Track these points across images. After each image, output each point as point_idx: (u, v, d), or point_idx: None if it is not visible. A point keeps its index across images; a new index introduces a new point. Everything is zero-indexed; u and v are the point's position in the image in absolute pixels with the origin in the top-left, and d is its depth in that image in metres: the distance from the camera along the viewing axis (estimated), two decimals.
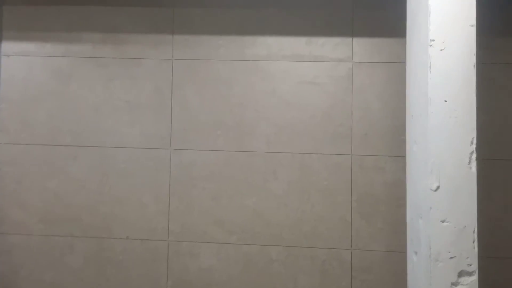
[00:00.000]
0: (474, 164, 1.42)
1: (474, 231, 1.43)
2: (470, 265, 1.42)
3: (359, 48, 2.31)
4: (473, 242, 1.43)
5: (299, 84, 2.33)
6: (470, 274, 1.41)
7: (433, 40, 1.45)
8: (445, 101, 1.44)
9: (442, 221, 1.42)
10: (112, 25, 2.43)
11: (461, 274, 1.41)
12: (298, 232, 2.29)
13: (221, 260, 2.31)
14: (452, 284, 1.41)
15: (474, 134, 1.45)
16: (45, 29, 2.46)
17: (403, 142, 2.26)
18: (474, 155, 1.43)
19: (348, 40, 2.32)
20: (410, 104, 1.63)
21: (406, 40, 2.10)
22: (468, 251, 1.41)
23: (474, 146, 1.44)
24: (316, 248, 2.28)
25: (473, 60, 1.45)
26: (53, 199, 2.40)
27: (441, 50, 1.45)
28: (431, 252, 1.42)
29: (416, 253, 1.56)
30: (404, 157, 2.25)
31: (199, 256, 2.33)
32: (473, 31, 1.44)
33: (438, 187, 1.43)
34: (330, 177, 2.29)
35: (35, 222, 2.41)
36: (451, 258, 1.42)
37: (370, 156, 2.28)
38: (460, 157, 1.43)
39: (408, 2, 1.72)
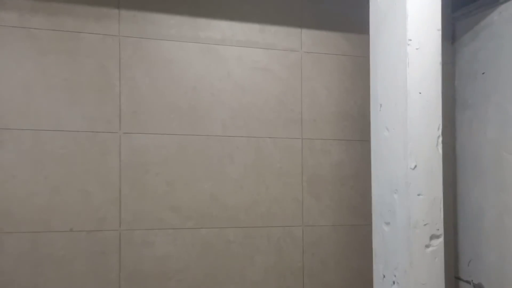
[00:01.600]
0: (440, 146, 1.67)
1: (440, 202, 1.68)
2: (438, 229, 1.66)
3: (307, 38, 2.43)
4: (440, 211, 1.68)
5: (253, 70, 2.35)
6: (438, 237, 1.65)
7: (411, 40, 1.63)
8: (420, 93, 1.66)
9: (419, 195, 1.63)
10: None
11: (432, 237, 1.64)
12: (254, 213, 2.32)
13: (178, 246, 2.21)
14: (426, 246, 1.63)
15: (440, 121, 1.69)
16: None
17: (346, 127, 2.47)
18: (440, 139, 1.68)
19: (297, 30, 2.43)
20: (379, 95, 1.80)
21: (359, 35, 2.31)
22: (437, 219, 1.65)
23: (440, 131, 1.68)
24: (271, 227, 2.35)
25: (439, 58, 1.69)
26: None
27: (417, 49, 1.64)
28: (410, 221, 1.62)
29: (388, 223, 1.75)
30: (347, 140, 2.46)
31: (154, 244, 2.18)
32: (439, 34, 1.69)
33: (415, 166, 1.63)
34: (283, 160, 2.37)
35: None
36: (425, 225, 1.63)
37: (318, 140, 2.43)
38: (430, 141, 1.64)
39: (372, 3, 1.90)
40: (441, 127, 1.65)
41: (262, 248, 2.28)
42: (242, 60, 2.29)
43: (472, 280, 2.30)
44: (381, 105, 1.78)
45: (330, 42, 2.41)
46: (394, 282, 1.68)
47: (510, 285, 2.10)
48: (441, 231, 1.61)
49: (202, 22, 2.25)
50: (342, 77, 2.42)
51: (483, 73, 2.28)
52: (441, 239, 1.61)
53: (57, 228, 2.03)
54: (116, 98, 2.12)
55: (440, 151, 1.64)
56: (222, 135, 2.25)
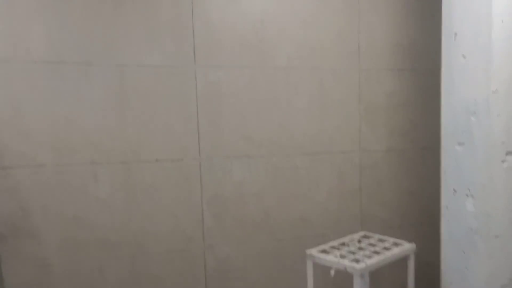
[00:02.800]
0: None
1: None
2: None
3: None
4: None
5: (315, 4, 2.42)
6: (511, 154, 1.88)
7: None
8: (502, 21, 1.79)
9: (498, 115, 1.82)
10: None
11: (507, 153, 1.86)
12: (318, 141, 2.48)
13: (252, 173, 2.39)
14: (502, 161, 1.85)
15: None
16: None
17: (398, 58, 2.60)
18: None
19: None
20: (454, 25, 1.93)
21: None
22: (510, 137, 1.86)
23: None
24: (332, 153, 2.54)
25: None
26: (64, 124, 2.08)
27: None
28: (489, 140, 1.83)
29: (461, 144, 1.94)
30: (398, 69, 2.61)
31: (231, 171, 2.35)
32: None
33: (496, 90, 1.81)
34: (343, 90, 2.50)
35: (46, 151, 2.04)
36: (502, 143, 1.84)
37: (373, 70, 2.57)
38: (509, 68, 1.82)
39: None
40: None
41: (325, 172, 2.48)
42: None
43: None
44: (455, 34, 1.91)
45: None
46: (467, 195, 1.90)
47: None
48: None
49: None
50: (394, 11, 2.52)
51: None
52: None
53: (145, 159, 2.17)
54: (190, 33, 2.19)
55: None
56: (288, 67, 2.36)
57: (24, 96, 1.98)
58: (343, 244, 2.13)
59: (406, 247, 2.04)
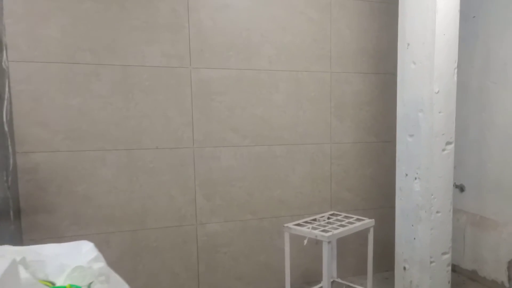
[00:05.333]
0: (455, 76, 2.29)
1: (453, 117, 2.33)
2: (451, 137, 2.33)
3: None
4: (453, 124, 2.33)
5: (293, 13, 2.80)
6: (451, 143, 2.32)
7: None
8: (444, 34, 2.24)
9: (439, 112, 2.27)
10: None
11: (447, 143, 2.31)
12: (294, 132, 2.90)
13: (238, 160, 2.78)
14: (442, 150, 2.31)
15: (456, 56, 2.29)
16: None
17: (363, 62, 3.04)
18: (456, 70, 2.30)
19: None
20: (407, 36, 2.37)
21: None
22: (451, 130, 2.31)
23: (456, 64, 2.29)
24: (307, 144, 2.96)
25: (458, 7, 2.25)
26: (78, 115, 2.42)
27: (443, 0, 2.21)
28: (432, 132, 2.28)
29: (412, 135, 2.39)
30: (364, 73, 3.05)
31: (220, 158, 2.74)
32: None
33: (438, 91, 2.26)
34: (316, 89, 2.92)
35: (61, 139, 2.38)
36: (443, 134, 2.30)
37: (343, 73, 3.00)
38: (449, 71, 2.26)
39: None
40: (457, 61, 2.27)
41: (300, 161, 2.91)
42: (284, 4, 2.76)
43: (455, 182, 3.06)
44: (408, 44, 2.36)
45: None
46: (416, 178, 2.36)
47: (484, 186, 2.87)
48: (453, 139, 2.29)
49: None
50: (361, 19, 2.96)
51: (474, 17, 2.88)
52: (453, 145, 2.30)
53: (146, 146, 2.54)
54: (186, 38, 2.56)
55: (455, 79, 2.27)
56: (269, 69, 2.77)
57: (42, 91, 2.31)
58: (314, 219, 2.55)
59: (367, 221, 2.48)
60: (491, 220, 2.86)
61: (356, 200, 3.08)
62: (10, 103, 2.24)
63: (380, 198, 3.13)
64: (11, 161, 2.14)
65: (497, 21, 2.72)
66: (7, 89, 2.10)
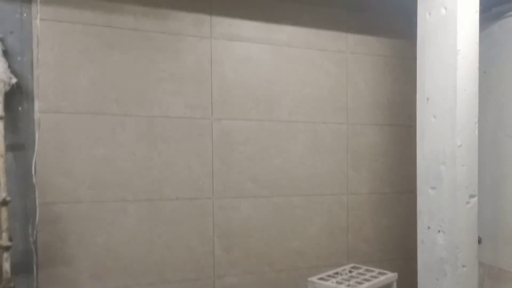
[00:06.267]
0: (476, 130, 2.36)
1: (476, 170, 2.37)
2: (474, 190, 2.37)
3: (351, 41, 3.02)
4: (476, 177, 2.36)
5: (311, 67, 2.90)
6: (474, 196, 2.36)
7: (459, 50, 2.28)
8: (465, 90, 2.32)
9: (462, 165, 2.32)
10: (153, 0, 2.53)
11: (470, 196, 2.35)
12: (312, 183, 2.92)
13: (257, 211, 2.77)
14: (466, 203, 2.34)
15: (477, 110, 2.36)
16: None
17: (378, 114, 3.12)
18: (477, 124, 2.37)
19: (344, 35, 3.02)
20: (426, 91, 2.46)
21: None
22: (474, 183, 2.35)
23: (476, 118, 2.37)
24: (325, 195, 2.97)
25: (477, 64, 2.35)
26: (102, 165, 2.41)
27: (463, 57, 2.30)
28: (456, 185, 2.31)
29: (434, 188, 2.43)
30: (379, 125, 3.12)
31: (239, 209, 2.73)
32: (477, 46, 2.34)
33: (461, 145, 2.32)
34: (333, 140, 2.97)
35: (84, 189, 2.37)
36: (466, 187, 2.34)
37: (359, 125, 3.07)
38: (471, 125, 2.34)
39: (420, 18, 2.51)
40: (477, 115, 2.34)
41: (318, 211, 2.91)
42: (303, 57, 2.86)
43: None
44: (428, 98, 2.44)
45: (367, 44, 3.04)
46: (439, 231, 2.37)
47: (501, 238, 2.89)
48: (476, 192, 2.32)
49: (274, 27, 2.78)
50: (376, 73, 3.07)
51: (484, 72, 3.00)
52: (476, 198, 2.32)
53: (167, 196, 2.53)
54: (209, 90, 2.63)
55: (477, 133, 2.33)
56: (289, 120, 2.83)
57: (69, 140, 2.33)
58: (336, 273, 2.52)
59: (390, 275, 2.46)
60: (510, 273, 2.84)
61: (373, 251, 3.06)
62: (33, 153, 2.25)
63: (396, 249, 3.11)
64: (37, 213, 2.12)
65: (508, 76, 2.83)
66: (36, 140, 2.11)
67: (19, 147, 2.22)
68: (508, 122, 2.84)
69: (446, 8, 2.31)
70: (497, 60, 2.91)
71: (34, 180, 2.18)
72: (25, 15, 2.23)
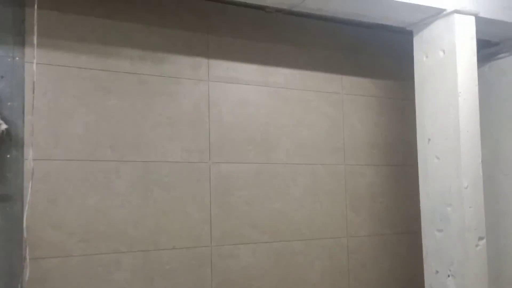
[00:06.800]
0: (481, 170, 2.36)
1: (483, 212, 2.34)
2: (483, 232, 2.33)
3: (346, 83, 3.02)
4: (483, 218, 2.33)
5: (308, 109, 2.87)
6: (483, 238, 2.32)
7: (460, 92, 2.31)
8: (467, 131, 2.33)
9: (470, 207, 2.29)
10: (149, 44, 2.47)
11: (479, 239, 2.31)
12: (312, 226, 2.82)
13: (257, 258, 2.63)
14: (476, 245, 2.29)
15: (480, 151, 2.37)
16: (79, 39, 2.30)
17: (375, 154, 3.10)
18: (481, 165, 2.37)
19: (339, 77, 3.03)
20: (427, 131, 2.45)
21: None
22: (482, 225, 2.32)
23: (480, 158, 2.37)
24: (325, 238, 2.88)
25: (478, 105, 2.36)
26: (94, 216, 2.26)
27: (464, 99, 2.32)
28: (464, 227, 2.27)
29: (440, 230, 2.38)
30: (376, 165, 3.09)
31: (238, 256, 2.59)
32: (477, 88, 2.37)
33: (467, 186, 2.30)
34: (331, 182, 2.92)
35: (75, 242, 2.20)
36: (475, 229, 2.30)
37: (356, 165, 3.03)
38: (476, 166, 2.33)
39: (417, 60, 2.53)
40: (480, 156, 2.33)
41: (319, 256, 2.82)
42: (299, 99, 2.84)
43: None
44: (429, 139, 2.43)
45: (362, 86, 3.06)
46: (449, 275, 2.30)
47: (504, 276, 2.84)
48: (484, 233, 2.28)
49: (270, 69, 2.77)
50: (371, 114, 3.07)
51: None
52: (485, 240, 2.28)
53: (163, 246, 2.40)
54: (206, 133, 2.56)
55: (481, 173, 2.32)
56: (287, 162, 2.77)
57: (59, 190, 2.20)
58: None
59: None
60: None
61: None
62: (22, 204, 2.11)
63: None
64: (27, 271, 1.95)
65: (500, 113, 2.88)
66: (29, 190, 1.97)
67: (7, 198, 2.07)
68: (503, 159, 2.86)
69: (444, 51, 2.34)
70: (488, 100, 2.96)
71: (25, 234, 2.02)
72: (17, 58, 2.14)
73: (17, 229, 2.05)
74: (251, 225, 2.63)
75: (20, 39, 2.15)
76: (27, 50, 2.16)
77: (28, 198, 1.96)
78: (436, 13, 2.36)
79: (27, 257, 1.93)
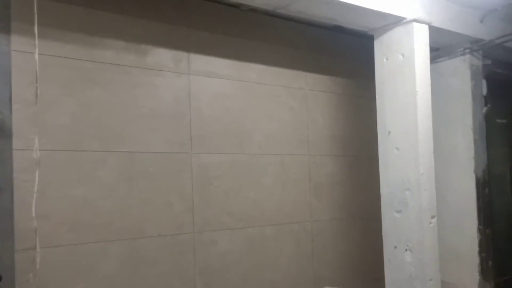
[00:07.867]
0: (433, 159, 2.73)
1: (434, 194, 2.71)
2: (434, 212, 2.71)
3: (310, 80, 3.27)
4: (435, 200, 2.71)
5: (277, 103, 3.08)
6: (434, 217, 2.70)
7: (418, 91, 2.65)
8: (423, 125, 2.67)
9: (425, 190, 2.65)
10: (133, 35, 2.49)
11: (432, 217, 2.68)
12: (281, 213, 3.03)
13: (234, 243, 2.78)
14: (429, 223, 2.66)
15: (432, 144, 2.73)
16: (64, 28, 2.27)
17: (334, 146, 3.39)
18: (433, 154, 2.74)
19: (303, 74, 3.27)
20: (387, 125, 2.78)
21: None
22: (434, 205, 2.69)
23: (432, 149, 2.73)
24: (292, 223, 3.10)
25: (430, 103, 2.73)
26: (81, 206, 2.26)
27: (421, 97, 2.67)
28: (420, 208, 2.62)
29: (399, 211, 2.72)
30: (335, 156, 3.39)
31: (217, 243, 2.73)
32: (429, 88, 2.73)
33: (423, 172, 2.65)
34: (298, 171, 3.16)
35: (64, 232, 2.19)
36: (428, 209, 2.66)
37: (318, 156, 3.29)
38: (429, 156, 2.70)
39: (378, 61, 2.85)
40: (433, 147, 2.71)
41: (287, 241, 3.05)
42: (269, 94, 3.04)
43: None
44: (389, 132, 2.76)
45: (323, 83, 3.33)
46: (406, 250, 2.65)
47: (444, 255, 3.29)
48: (435, 212, 2.66)
49: (245, 65, 2.93)
50: (331, 109, 3.36)
51: None
52: (436, 218, 2.66)
53: (149, 234, 2.47)
54: (187, 125, 2.66)
55: (433, 162, 2.69)
56: (259, 153, 2.95)
57: (47, 181, 2.17)
58: None
59: None
60: (452, 284, 3.25)
61: (335, 275, 3.26)
62: (12, 195, 2.07)
63: (359, 271, 3.36)
64: (15, 262, 1.93)
65: (439, 112, 3.31)
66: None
67: None
68: (442, 153, 3.29)
69: (403, 55, 2.67)
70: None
71: (14, 224, 1.98)
72: (2, 46, 2.08)
73: (6, 220, 2.01)
74: (228, 213, 2.78)
75: (5, 25, 2.08)
76: (14, 37, 2.10)
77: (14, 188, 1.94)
78: (397, 21, 2.68)
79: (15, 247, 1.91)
